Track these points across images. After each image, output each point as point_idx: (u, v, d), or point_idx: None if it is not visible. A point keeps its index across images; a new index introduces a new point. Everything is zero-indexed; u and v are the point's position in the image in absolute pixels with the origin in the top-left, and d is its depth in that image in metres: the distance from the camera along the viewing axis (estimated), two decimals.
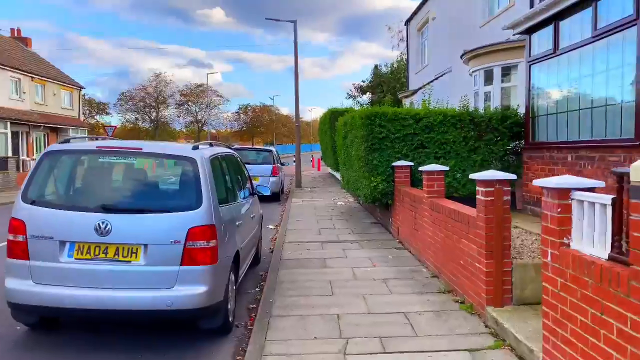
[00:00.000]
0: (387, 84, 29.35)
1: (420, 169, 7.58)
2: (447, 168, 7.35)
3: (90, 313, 4.44)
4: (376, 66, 33.05)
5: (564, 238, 3.58)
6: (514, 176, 5.13)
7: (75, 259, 4.43)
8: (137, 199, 4.78)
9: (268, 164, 16.95)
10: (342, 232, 10.49)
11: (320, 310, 5.48)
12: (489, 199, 5.00)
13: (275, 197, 17.25)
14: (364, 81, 34.14)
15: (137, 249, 4.43)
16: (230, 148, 7.05)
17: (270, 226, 11.88)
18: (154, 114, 56.33)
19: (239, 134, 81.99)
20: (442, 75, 16.31)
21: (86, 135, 34.24)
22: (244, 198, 6.55)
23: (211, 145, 5.80)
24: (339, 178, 23.14)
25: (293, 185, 22.67)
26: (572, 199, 3.53)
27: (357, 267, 7.41)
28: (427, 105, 10.46)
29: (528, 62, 9.01)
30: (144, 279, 4.41)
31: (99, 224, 4.40)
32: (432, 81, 16.90)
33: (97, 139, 5.79)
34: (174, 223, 4.48)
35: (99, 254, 4.43)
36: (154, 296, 4.39)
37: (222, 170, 5.52)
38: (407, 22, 22.58)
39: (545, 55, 8.34)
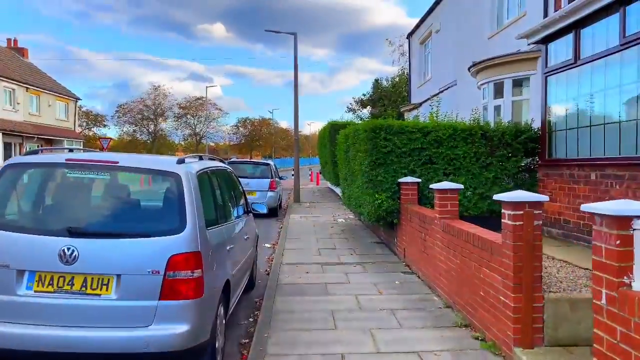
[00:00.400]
0: (388, 97, 28.88)
1: (432, 186, 6.94)
2: (461, 186, 6.71)
3: (51, 357, 3.75)
4: (377, 80, 32.65)
5: (624, 277, 2.93)
6: (545, 198, 4.49)
7: (35, 291, 3.76)
8: (109, 221, 4.11)
9: (265, 178, 16.31)
10: (343, 252, 9.81)
11: (321, 349, 4.79)
12: (517, 223, 4.35)
13: (273, 212, 16.58)
14: (364, 95, 33.70)
15: (108, 280, 3.76)
16: (224, 162, 6.40)
17: (267, 245, 11.20)
18: (152, 126, 55.80)
19: (237, 147, 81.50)
20: (446, 89, 15.77)
21: (81, 147, 33.63)
22: (237, 217, 5.90)
23: (200, 158, 5.16)
24: (339, 193, 22.50)
25: (291, 200, 22.01)
26: (635, 229, 2.88)
27: (361, 295, 6.72)
28: (434, 118, 9.85)
29: (544, 73, 8.43)
30: (116, 316, 3.73)
31: (63, 250, 3.74)
32: (436, 95, 16.35)
33: (70, 150, 5.10)
34: (152, 249, 3.83)
35: (64, 285, 3.76)
36: (128, 337, 3.71)
37: (211, 187, 4.86)
38: (410, 35, 22.13)
39: (565, 66, 7.76)
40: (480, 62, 11.35)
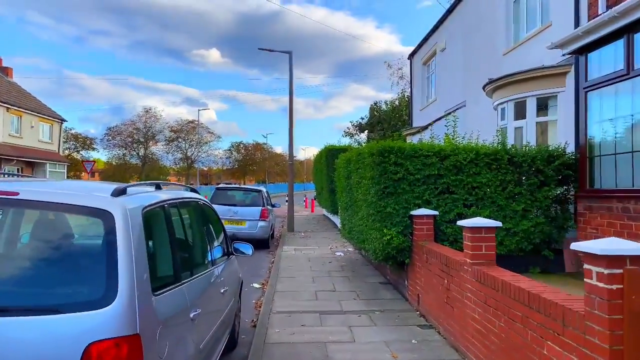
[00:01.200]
0: (388, 121, 27.73)
1: (461, 223, 5.55)
2: (499, 224, 5.32)
3: None
4: (375, 103, 31.55)
5: None
6: None
7: None
8: None
9: (257, 206, 14.88)
10: (345, 296, 8.35)
11: None
12: (614, 287, 2.96)
13: (264, 244, 15.11)
14: (362, 118, 32.53)
15: None
16: (196, 191, 4.99)
17: (256, 284, 9.71)
18: (142, 150, 54.36)
19: (230, 172, 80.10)
20: (454, 110, 14.56)
21: (64, 170, 32.15)
22: (212, 264, 4.47)
23: (158, 187, 3.76)
24: (335, 222, 21.09)
25: (284, 229, 20.54)
26: None
27: None
28: (450, 139, 8.53)
29: (584, 88, 7.16)
30: None
31: None
32: (441, 118, 15.12)
33: (4, 174, 3.68)
34: (60, 334, 2.40)
35: None
36: None
37: (169, 228, 3.43)
38: (411, 56, 21.07)
39: (614, 78, 6.49)
40: (498, 79, 10.11)
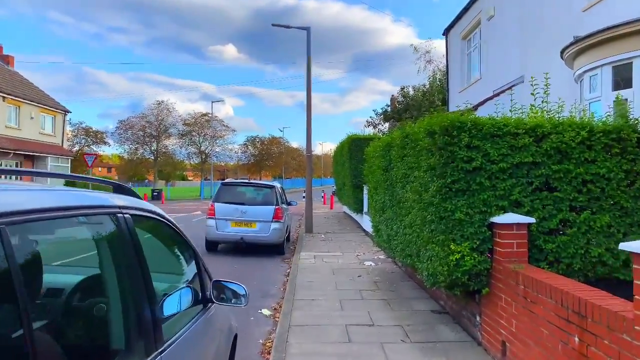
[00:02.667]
0: (418, 107, 25.02)
1: (627, 248, 3.07)
2: None
3: None
4: (402, 88, 28.78)
5: None
6: None
7: None
8: None
9: (269, 204, 12.50)
10: (388, 335, 5.91)
11: None
12: None
13: (278, 249, 12.74)
14: (388, 105, 29.74)
15: None
16: (122, 191, 2.58)
17: (265, 312, 7.33)
18: (154, 144, 52.38)
19: (246, 167, 78.04)
20: (508, 88, 11.97)
21: (68, 165, 30.22)
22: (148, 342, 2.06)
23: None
24: (359, 221, 18.63)
25: (302, 229, 18.16)
26: None
27: None
28: (537, 112, 5.98)
29: None
30: None
31: None
32: (491, 97, 12.54)
33: None
34: None
35: None
36: None
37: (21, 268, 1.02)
38: (446, 31, 18.45)
39: None
40: (587, 37, 7.53)
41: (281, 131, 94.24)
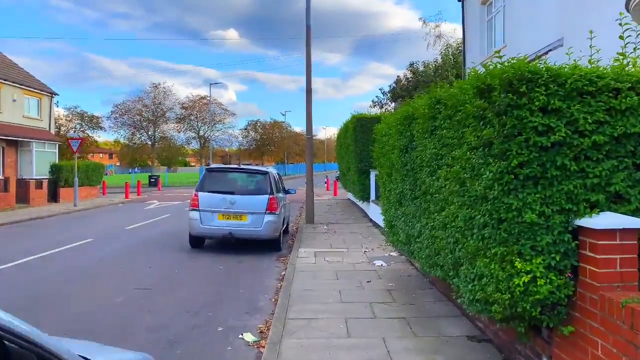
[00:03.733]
0: (429, 84, 22.94)
1: None
2: None
3: None
4: (411, 64, 26.68)
5: None
6: None
7: None
8: None
9: (262, 193, 10.75)
10: None
11: None
12: None
13: (274, 245, 11.03)
14: (396, 83, 27.68)
15: None
16: None
17: (248, 337, 5.60)
18: (151, 128, 50.57)
19: (247, 152, 76.27)
20: (543, 54, 10.10)
21: (56, 150, 28.48)
22: None
23: None
24: (364, 210, 16.83)
25: (302, 218, 16.44)
26: None
27: None
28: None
29: None
30: None
31: None
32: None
33: None
34: None
35: None
36: None
37: None
38: None
39: None
40: None
41: (283, 115, 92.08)
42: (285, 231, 13.43)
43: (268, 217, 10.54)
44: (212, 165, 11.53)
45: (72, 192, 23.49)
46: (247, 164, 20.04)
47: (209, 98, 51.31)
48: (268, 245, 11.02)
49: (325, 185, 37.65)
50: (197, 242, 11.14)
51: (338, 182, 30.27)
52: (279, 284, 8.00)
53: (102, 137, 64.38)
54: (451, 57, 24.72)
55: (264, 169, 11.45)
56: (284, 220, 11.90)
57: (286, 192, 13.21)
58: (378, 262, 9.19)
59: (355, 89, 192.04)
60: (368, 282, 7.74)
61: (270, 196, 10.68)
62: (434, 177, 4.81)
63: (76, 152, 22.82)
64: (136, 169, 71.03)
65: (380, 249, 10.79)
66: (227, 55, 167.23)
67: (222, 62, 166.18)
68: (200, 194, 10.70)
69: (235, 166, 11.54)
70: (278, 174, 13.00)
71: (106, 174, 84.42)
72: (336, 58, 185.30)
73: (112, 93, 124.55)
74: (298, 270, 8.64)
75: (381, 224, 13.65)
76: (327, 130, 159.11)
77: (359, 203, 18.18)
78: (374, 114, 16.49)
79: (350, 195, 23.38)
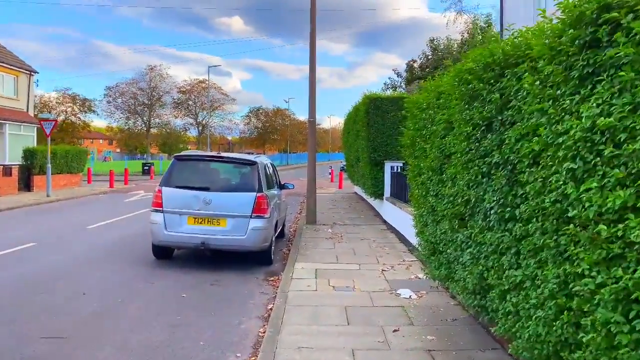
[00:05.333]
0: (455, 61, 20.11)
1: None
2: None
3: None
4: (432, 40, 23.63)
5: None
6: None
7: None
8: None
9: (247, 190, 8.11)
10: None
11: None
12: None
13: (263, 258, 8.42)
14: (414, 60, 24.67)
15: None
16: None
17: None
18: (146, 114, 47.83)
19: (249, 141, 73.59)
20: None
21: (34, 134, 25.85)
22: None
23: None
24: (375, 207, 14.00)
25: (302, 217, 13.82)
26: None
27: None
28: None
29: None
30: None
31: None
32: None
33: None
34: None
35: None
36: None
37: None
38: None
39: None
40: None
41: (286, 102, 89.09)
42: (281, 234, 10.84)
43: (255, 222, 7.90)
44: (183, 153, 8.79)
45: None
46: (249, 153, 17.40)
47: (207, 82, 48.52)
48: (256, 259, 8.42)
49: (330, 176, 35.05)
50: (163, 252, 8.54)
51: (343, 173, 27.63)
52: (262, 329, 5.39)
53: (101, 122, 61.79)
54: (479, 31, 21.76)
55: (251, 158, 8.74)
56: (277, 224, 9.26)
57: (282, 187, 10.58)
58: (404, 292, 6.55)
59: (361, 79, 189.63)
60: (395, 331, 5.12)
61: (259, 194, 8.03)
62: (597, 182, 2.12)
63: (49, 135, 20.14)
64: (137, 156, 68.46)
65: (402, 265, 8.18)
66: (232, 43, 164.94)
67: (228, 50, 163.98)
68: (165, 190, 8.08)
69: (214, 154, 8.86)
70: (272, 164, 10.34)
71: (104, 160, 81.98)
72: (342, 47, 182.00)
73: (117, 79, 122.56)
74: (292, 304, 6.02)
75: (397, 226, 11.00)
76: (331, 120, 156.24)
77: (370, 199, 15.53)
78: (391, 94, 13.79)
79: (357, 189, 20.72)
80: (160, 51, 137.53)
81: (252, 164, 8.42)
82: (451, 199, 4.07)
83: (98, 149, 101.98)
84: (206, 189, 8.02)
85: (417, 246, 6.38)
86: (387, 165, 12.84)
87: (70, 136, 46.47)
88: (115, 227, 12.22)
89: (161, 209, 7.98)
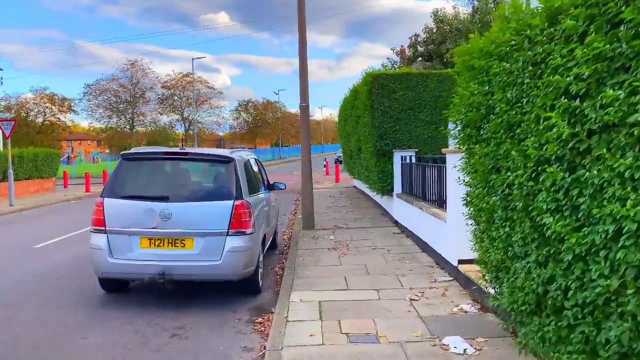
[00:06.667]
0: (464, 35, 17.62)
1: None
2: None
3: None
4: (435, 12, 21.34)
5: None
6: None
7: None
8: None
9: (222, 198, 5.92)
10: None
11: None
12: None
13: (247, 287, 6.26)
14: (417, 35, 22.20)
15: None
16: None
17: None
18: (129, 111, 45.34)
19: (239, 136, 71.08)
20: None
21: None
22: None
23: None
24: (382, 204, 11.58)
25: (297, 219, 11.68)
26: None
27: None
28: None
29: None
30: None
31: None
32: None
33: None
34: None
35: None
36: None
37: None
38: None
39: None
40: None
41: (276, 94, 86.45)
42: (273, 246, 8.71)
43: (233, 242, 5.72)
44: (133, 150, 6.51)
45: (15, 187, 18.58)
46: (242, 148, 15.23)
47: (192, 76, 46.03)
48: (237, 289, 6.26)
49: (325, 169, 32.91)
50: (114, 284, 6.37)
51: (340, 165, 25.48)
52: None
53: (84, 122, 59.14)
54: None
55: (225, 153, 6.47)
56: (264, 239, 7.08)
57: (271, 187, 8.42)
58: (454, 342, 4.40)
59: (349, 70, 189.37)
60: None
61: (238, 202, 5.84)
62: None
63: (9, 136, 17.81)
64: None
65: (437, 290, 6.05)
66: (220, 39, 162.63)
67: (215, 46, 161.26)
68: (108, 202, 5.88)
69: (175, 150, 6.64)
70: (256, 159, 8.15)
71: (93, 161, 79.11)
72: (329, 39, 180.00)
73: (103, 79, 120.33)
74: None
75: (414, 229, 8.33)
76: (323, 111, 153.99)
77: (374, 196, 13.37)
78: (398, 70, 11.61)
79: (357, 183, 18.56)
80: (146, 49, 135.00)
81: (228, 161, 6.20)
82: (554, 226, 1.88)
83: (86, 150, 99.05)
84: (165, 198, 5.83)
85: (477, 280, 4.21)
86: (397, 155, 10.69)
87: (51, 138, 43.93)
88: (70, 244, 10.01)
89: (103, 228, 5.79)
